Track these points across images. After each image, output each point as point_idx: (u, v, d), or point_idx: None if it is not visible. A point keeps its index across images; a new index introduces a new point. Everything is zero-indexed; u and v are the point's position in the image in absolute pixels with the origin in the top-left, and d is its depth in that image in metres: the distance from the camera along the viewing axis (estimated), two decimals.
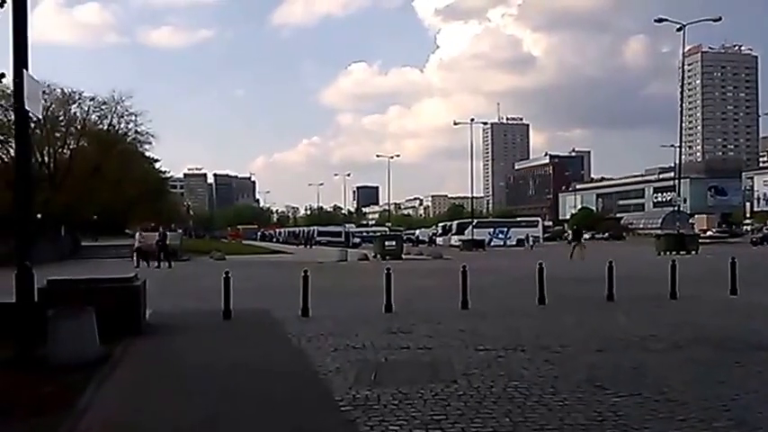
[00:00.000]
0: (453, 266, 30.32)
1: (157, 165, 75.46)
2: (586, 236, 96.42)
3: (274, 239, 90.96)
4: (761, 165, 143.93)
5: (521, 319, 11.42)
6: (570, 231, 47.19)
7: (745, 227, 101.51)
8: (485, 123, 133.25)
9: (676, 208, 55.55)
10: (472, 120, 73.94)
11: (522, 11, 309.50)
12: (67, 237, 41.84)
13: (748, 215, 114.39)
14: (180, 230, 67.93)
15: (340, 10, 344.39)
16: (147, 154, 63.20)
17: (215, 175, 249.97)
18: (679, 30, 44.64)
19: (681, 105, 55.45)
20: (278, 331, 10.59)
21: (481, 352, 8.50)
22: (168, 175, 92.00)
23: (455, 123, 76.30)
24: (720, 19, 45.99)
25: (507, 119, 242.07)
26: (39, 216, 34.37)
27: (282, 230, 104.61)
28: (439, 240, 72.07)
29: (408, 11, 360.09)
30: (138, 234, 33.17)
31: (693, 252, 38.63)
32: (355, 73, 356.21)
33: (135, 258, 31.29)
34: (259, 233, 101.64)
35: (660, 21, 44.56)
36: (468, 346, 8.90)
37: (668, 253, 38.57)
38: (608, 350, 8.55)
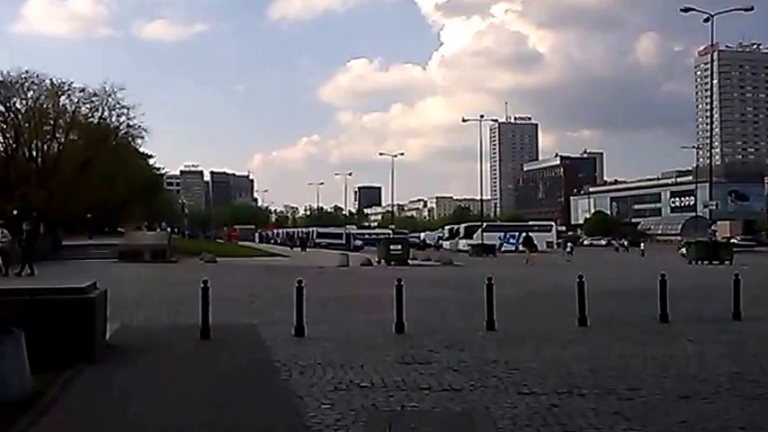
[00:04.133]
0: (467, 274, 28.50)
1: (152, 161, 73.87)
2: (603, 242, 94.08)
3: (272, 241, 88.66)
4: None
5: (564, 347, 9.33)
6: (524, 239, 45.65)
7: None
8: (495, 121, 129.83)
9: (709, 210, 52.25)
10: (482, 116, 71.61)
11: (527, 6, 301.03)
12: (46, 235, 39.42)
13: None
14: (168, 229, 65.77)
15: (339, 4, 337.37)
16: (141, 149, 61.69)
17: (212, 172, 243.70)
18: (706, 20, 42.07)
19: (710, 104, 52.96)
20: (264, 357, 8.52)
21: (527, 396, 6.45)
22: (163, 171, 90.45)
23: (464, 120, 74.07)
24: (753, 9, 43.13)
25: (515, 118, 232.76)
26: (15, 212, 32.34)
27: (281, 231, 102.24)
28: (446, 244, 69.48)
29: (410, 6, 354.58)
30: None
31: (727, 262, 35.98)
32: (355, 69, 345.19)
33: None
34: (257, 234, 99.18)
35: (687, 10, 41.78)
36: (508, 386, 6.85)
37: (700, 262, 36.59)
38: (693, 396, 6.48)
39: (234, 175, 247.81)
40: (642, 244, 61.92)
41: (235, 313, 12.98)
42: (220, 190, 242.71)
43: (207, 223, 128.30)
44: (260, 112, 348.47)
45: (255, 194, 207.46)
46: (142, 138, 54.20)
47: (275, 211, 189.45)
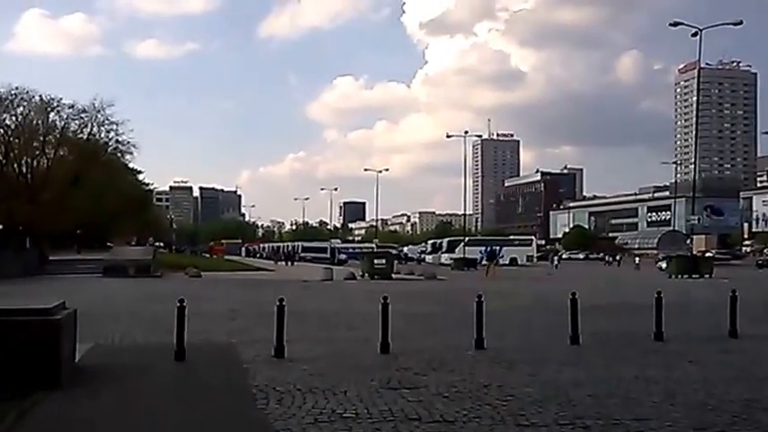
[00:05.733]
0: (450, 288, 28.13)
1: (141, 177, 74.37)
2: (581, 256, 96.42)
3: (258, 255, 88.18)
4: (759, 184, 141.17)
5: (560, 369, 8.80)
6: (484, 254, 47.18)
7: (744, 248, 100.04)
8: (478, 136, 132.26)
9: (691, 225, 52.60)
10: (466, 132, 73.40)
11: (510, 26, 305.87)
12: (33, 250, 39.12)
13: (746, 236, 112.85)
14: (157, 244, 65.43)
15: (326, 23, 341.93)
16: (131, 165, 62.07)
17: (200, 188, 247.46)
18: (694, 35, 41.94)
19: (696, 119, 53.77)
20: (240, 382, 7.92)
21: (526, 429, 5.89)
22: (153, 187, 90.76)
23: (448, 136, 77.06)
24: (741, 22, 43.47)
25: (498, 135, 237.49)
26: (1, 227, 32.01)
27: (267, 246, 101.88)
28: (428, 258, 70.11)
29: (396, 25, 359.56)
30: None
31: (707, 276, 36.39)
32: (341, 87, 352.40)
33: None
34: (243, 248, 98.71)
35: (675, 24, 42.02)
36: (505, 417, 6.28)
37: (680, 276, 36.75)
38: (708, 429, 5.94)
39: (222, 190, 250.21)
40: (637, 258, 61.93)
41: (214, 331, 12.46)
42: (209, 205, 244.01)
43: (195, 238, 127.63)
44: (248, 129, 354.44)
45: (243, 210, 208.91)
46: (131, 154, 54.09)
47: (262, 225, 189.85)
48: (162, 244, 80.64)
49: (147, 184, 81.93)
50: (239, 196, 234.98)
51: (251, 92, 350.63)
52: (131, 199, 63.49)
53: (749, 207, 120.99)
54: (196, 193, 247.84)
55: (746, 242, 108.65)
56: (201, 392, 7.56)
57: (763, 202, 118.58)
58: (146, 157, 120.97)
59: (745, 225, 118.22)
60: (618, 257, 74.28)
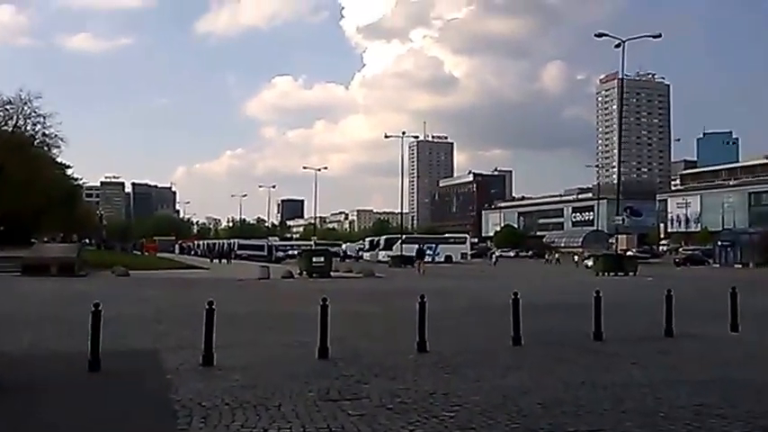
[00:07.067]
0: (389, 287, 27.76)
1: (70, 171, 71.73)
2: (511, 253, 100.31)
3: (193, 252, 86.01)
4: (673, 188, 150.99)
5: (505, 374, 8.40)
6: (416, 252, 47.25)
7: (662, 247, 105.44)
8: (415, 137, 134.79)
9: (615, 225, 54.52)
10: (403, 133, 75.42)
11: (443, 33, 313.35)
12: None
13: (662, 236, 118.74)
14: (85, 240, 63.22)
15: (265, 23, 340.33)
16: (59, 160, 60.01)
17: (133, 184, 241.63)
18: (617, 46, 44.24)
19: (619, 126, 56.41)
20: (161, 397, 7.14)
21: None
22: (82, 182, 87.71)
23: (386, 136, 78.66)
24: (660, 36, 46.20)
25: (433, 137, 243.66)
26: None
27: (202, 243, 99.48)
28: (366, 255, 70.59)
29: (335, 28, 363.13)
30: None
31: (632, 273, 37.62)
32: (280, 86, 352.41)
33: None
34: (177, 245, 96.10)
35: (600, 35, 44.05)
36: (453, 431, 5.79)
37: (607, 274, 37.80)
38: None
39: (156, 186, 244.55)
40: (576, 256, 63.39)
41: (136, 336, 11.60)
42: (142, 201, 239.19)
43: (126, 235, 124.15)
44: (184, 126, 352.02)
45: (178, 206, 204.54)
46: (59, 147, 52.17)
47: (197, 222, 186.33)
48: (88, 241, 77.96)
49: (76, 179, 79.52)
50: (174, 192, 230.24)
51: (188, 89, 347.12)
52: (58, 194, 61.21)
53: (665, 209, 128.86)
54: (128, 189, 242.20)
55: (663, 242, 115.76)
56: (114, 410, 6.75)
57: (677, 204, 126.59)
58: (77, 152, 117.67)
59: (662, 225, 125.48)
60: (557, 256, 76.77)
